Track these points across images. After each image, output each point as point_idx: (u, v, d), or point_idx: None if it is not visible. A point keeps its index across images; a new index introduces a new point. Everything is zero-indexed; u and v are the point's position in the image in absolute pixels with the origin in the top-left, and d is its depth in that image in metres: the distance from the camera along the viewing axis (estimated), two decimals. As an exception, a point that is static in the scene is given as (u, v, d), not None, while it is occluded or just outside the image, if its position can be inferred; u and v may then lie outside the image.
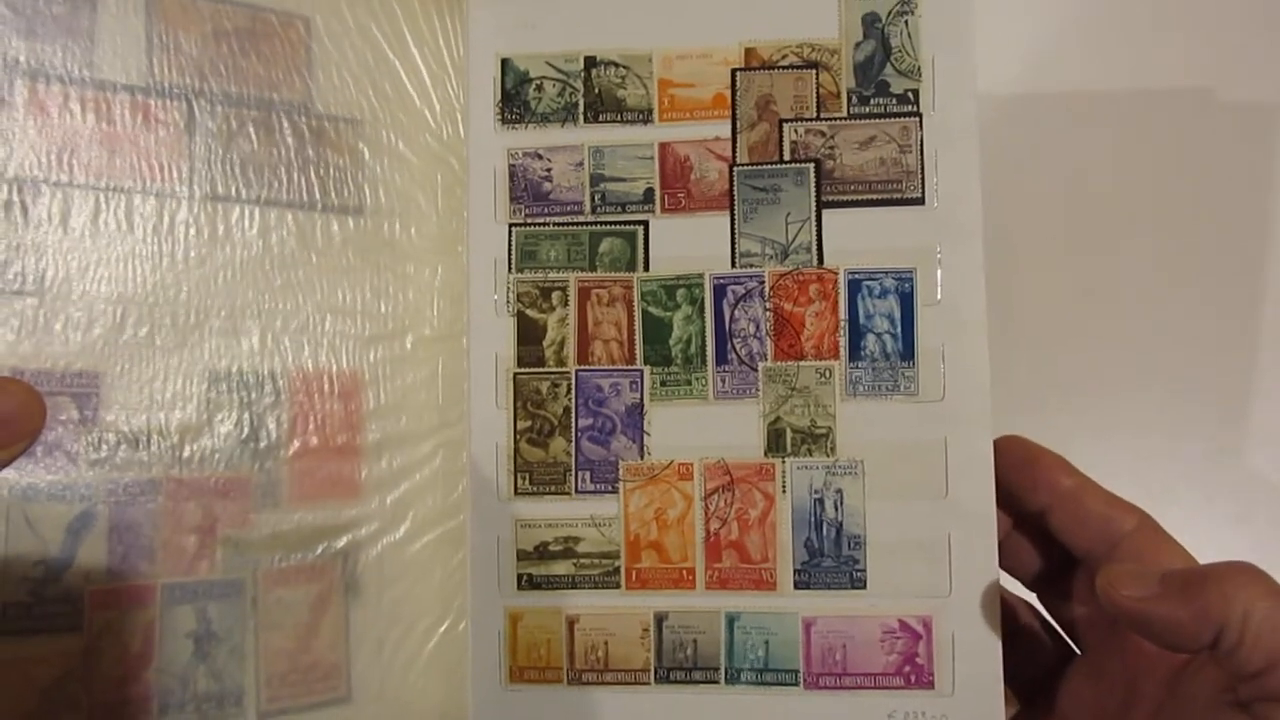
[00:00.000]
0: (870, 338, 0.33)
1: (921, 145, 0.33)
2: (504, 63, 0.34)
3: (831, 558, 0.32)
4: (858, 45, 0.33)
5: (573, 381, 0.34)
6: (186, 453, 0.29)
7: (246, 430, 0.30)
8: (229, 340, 0.30)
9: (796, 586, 0.32)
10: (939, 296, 0.32)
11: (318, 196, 0.32)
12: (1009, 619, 0.32)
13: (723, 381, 0.33)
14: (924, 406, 0.32)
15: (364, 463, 0.32)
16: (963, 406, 0.32)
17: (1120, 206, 0.39)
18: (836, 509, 0.32)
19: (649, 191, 0.34)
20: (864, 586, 0.32)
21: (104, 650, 0.28)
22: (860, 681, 0.32)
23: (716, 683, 0.32)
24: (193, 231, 0.30)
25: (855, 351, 0.33)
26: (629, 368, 0.33)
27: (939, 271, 0.32)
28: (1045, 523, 0.31)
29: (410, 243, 0.33)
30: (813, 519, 0.32)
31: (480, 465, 0.34)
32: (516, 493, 0.33)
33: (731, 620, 0.33)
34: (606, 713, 0.33)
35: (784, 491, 0.33)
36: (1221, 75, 0.40)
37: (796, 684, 0.32)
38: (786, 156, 0.33)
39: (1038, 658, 0.33)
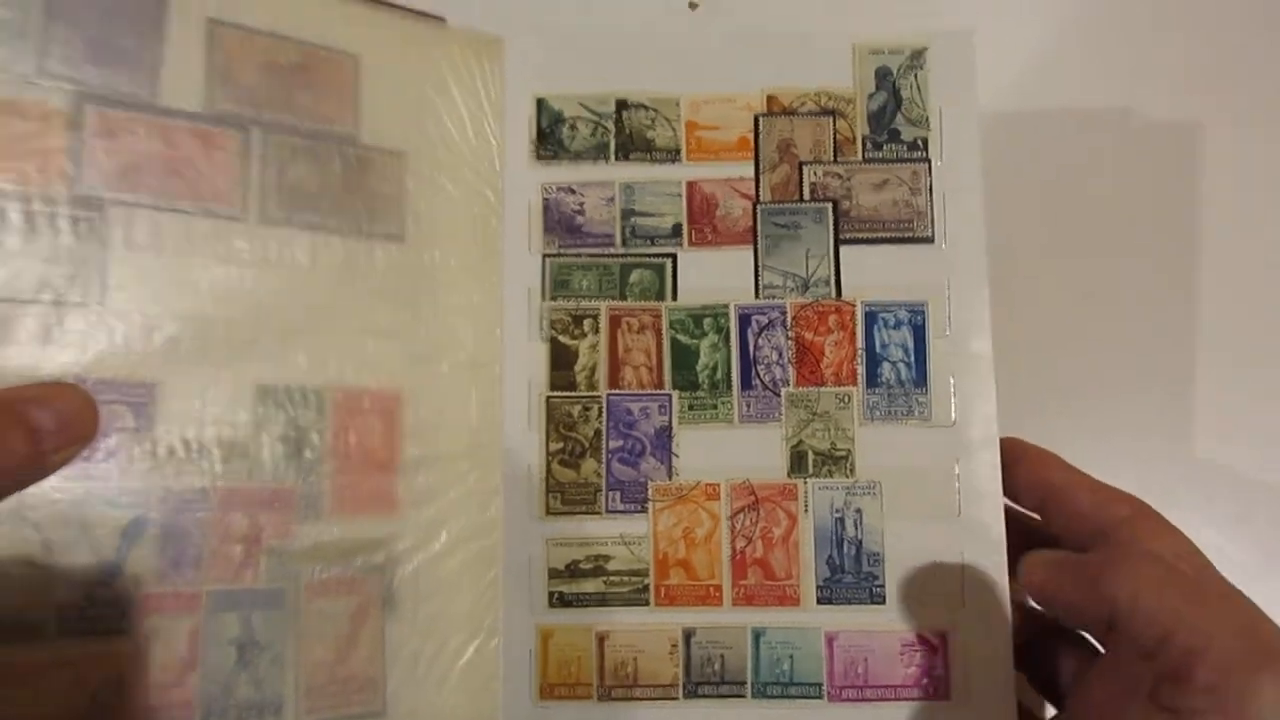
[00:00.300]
0: (886, 366, 0.35)
1: (930, 189, 0.35)
2: (539, 103, 0.36)
3: (852, 574, 0.34)
4: (871, 96, 0.36)
5: (603, 405, 0.35)
6: (234, 464, 0.30)
7: (291, 444, 0.31)
8: (277, 357, 0.31)
9: (819, 602, 0.34)
10: (949, 329, 0.35)
11: (363, 224, 0.33)
12: (1037, 625, 0.33)
13: (747, 406, 0.35)
14: (936, 431, 0.34)
15: (401, 480, 0.33)
16: (972, 431, 0.34)
17: (1119, 209, 0.41)
18: (856, 527, 0.34)
19: (677, 226, 0.36)
20: (883, 602, 0.34)
21: (151, 654, 0.28)
22: (881, 694, 0.33)
23: (743, 696, 0.33)
24: (246, 253, 0.31)
25: (872, 378, 0.35)
26: (658, 392, 0.35)
27: (949, 306, 0.35)
28: (1046, 524, 0.33)
29: (449, 270, 0.35)
30: (834, 537, 0.34)
31: (513, 485, 0.35)
32: (548, 512, 0.35)
33: (758, 635, 0.34)
34: (634, 728, 0.33)
35: (806, 511, 0.34)
36: (1220, 79, 0.42)
37: (821, 696, 0.33)
38: (806, 196, 0.36)
39: (1067, 661, 0.34)
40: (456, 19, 0.36)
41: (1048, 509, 0.33)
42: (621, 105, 0.36)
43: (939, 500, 0.34)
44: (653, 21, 0.38)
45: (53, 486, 0.27)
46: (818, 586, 0.34)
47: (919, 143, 0.36)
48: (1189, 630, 0.26)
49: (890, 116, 0.36)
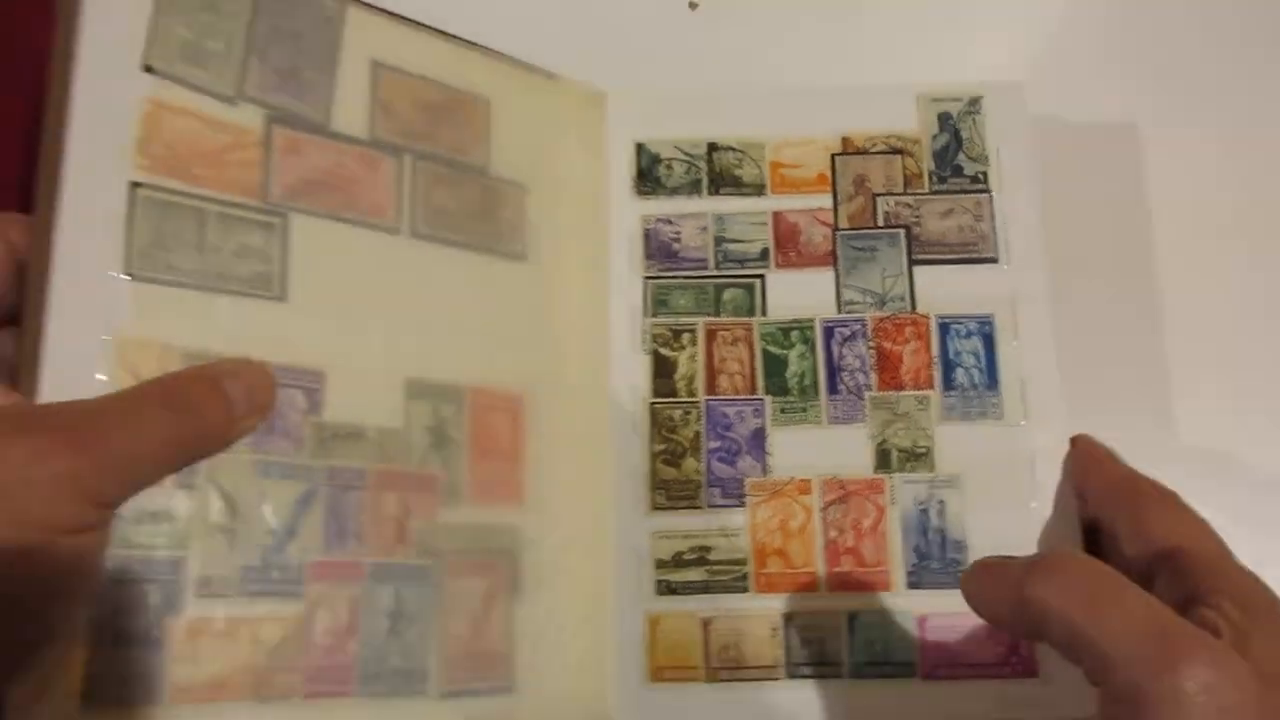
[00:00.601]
0: (960, 371, 0.38)
1: (992, 216, 0.40)
2: (639, 146, 0.41)
3: (939, 560, 0.37)
4: (934, 137, 0.41)
5: (702, 409, 0.38)
6: (388, 449, 0.33)
7: (435, 435, 0.34)
8: (422, 355, 0.35)
9: (909, 586, 0.36)
10: (1016, 338, 0.38)
11: (492, 243, 0.37)
12: None
13: (834, 408, 0.38)
14: (1009, 429, 0.38)
15: (526, 474, 0.36)
16: (1042, 429, 0.37)
17: (1117, 212, 0.45)
18: (940, 517, 0.37)
19: (764, 250, 0.40)
20: (969, 585, 0.36)
21: (318, 618, 0.31)
22: (971, 672, 0.36)
23: (840, 676, 0.36)
24: (399, 262, 0.35)
25: (948, 382, 0.38)
26: (751, 397, 0.38)
27: (1015, 317, 0.38)
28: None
29: (562, 288, 0.39)
30: (919, 526, 0.37)
31: (621, 483, 0.38)
32: (654, 507, 0.38)
33: (852, 618, 0.36)
34: (743, 705, 0.36)
35: (893, 503, 0.37)
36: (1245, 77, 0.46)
37: (914, 675, 0.36)
38: (880, 223, 0.40)
39: None
40: (566, 73, 0.40)
41: (1087, 502, 0.36)
42: (712, 148, 0.41)
43: (1014, 492, 0.37)
44: (736, 75, 0.43)
45: (238, 456, 0.30)
46: (907, 572, 0.37)
47: (980, 176, 0.40)
48: (1099, 637, 0.25)
49: (953, 154, 0.40)
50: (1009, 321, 0.38)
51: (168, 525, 0.29)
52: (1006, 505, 0.37)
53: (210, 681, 0.29)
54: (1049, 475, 0.37)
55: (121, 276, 0.29)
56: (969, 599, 0.30)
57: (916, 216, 0.40)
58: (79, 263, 0.28)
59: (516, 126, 0.39)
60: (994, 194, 0.40)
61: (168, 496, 0.29)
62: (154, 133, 0.30)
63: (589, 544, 0.37)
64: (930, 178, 0.40)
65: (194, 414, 0.28)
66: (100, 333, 0.29)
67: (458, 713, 0.33)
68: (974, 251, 0.39)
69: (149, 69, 0.30)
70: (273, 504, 0.31)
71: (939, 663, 0.36)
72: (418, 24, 0.37)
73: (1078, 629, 0.25)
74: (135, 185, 0.30)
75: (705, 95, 0.42)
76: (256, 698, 0.30)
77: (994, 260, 0.39)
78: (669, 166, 0.41)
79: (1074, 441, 0.37)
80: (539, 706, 0.35)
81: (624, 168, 0.41)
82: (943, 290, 0.39)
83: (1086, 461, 0.37)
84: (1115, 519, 0.34)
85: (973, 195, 0.40)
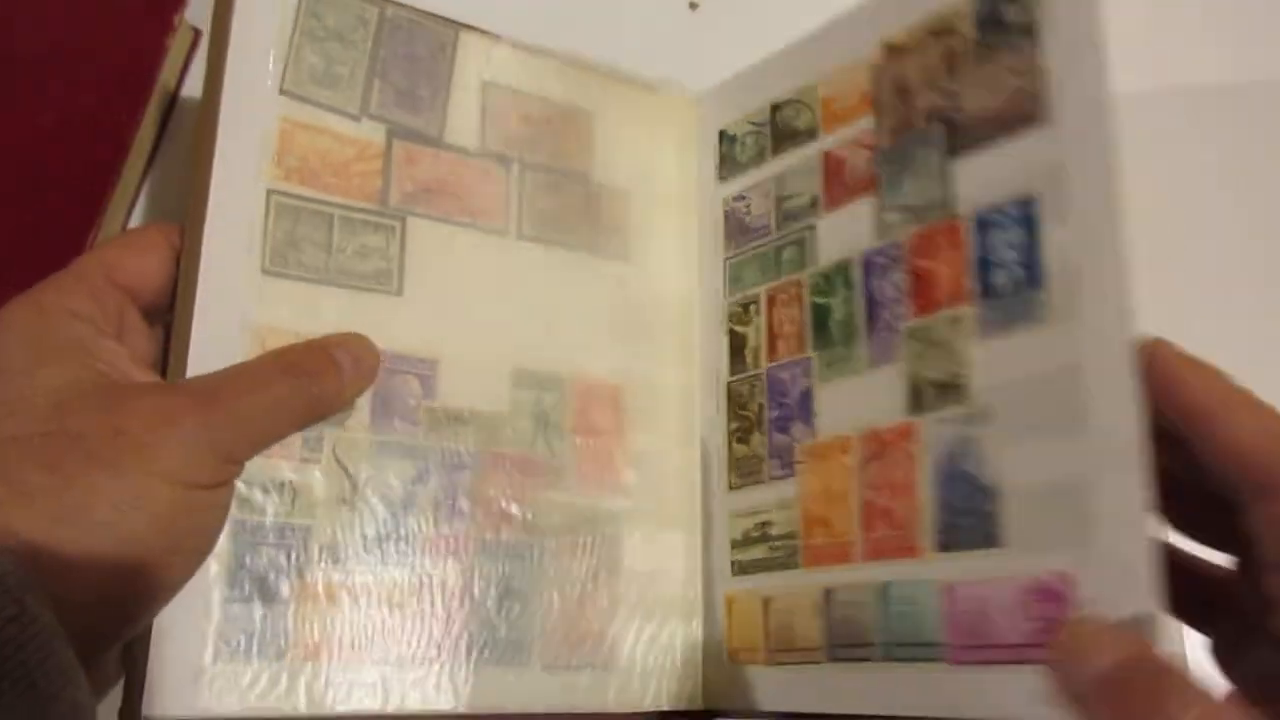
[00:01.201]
0: (999, 272, 0.30)
1: (1042, 71, 0.30)
2: (720, 134, 0.41)
3: (968, 514, 0.29)
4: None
5: (764, 379, 0.37)
6: (495, 433, 0.38)
7: (539, 421, 0.38)
8: (529, 347, 0.39)
9: (939, 549, 0.30)
10: (1069, 217, 0.29)
11: (594, 244, 0.41)
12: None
13: (873, 350, 0.33)
14: (1058, 331, 0.28)
15: (625, 460, 0.39)
16: (1101, 324, 0.27)
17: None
18: (971, 460, 0.29)
19: (814, 199, 0.37)
20: (999, 544, 0.28)
21: (430, 588, 0.38)
22: (1004, 655, 0.27)
23: (873, 659, 0.31)
24: (508, 261, 0.40)
25: (986, 289, 0.30)
26: (801, 357, 0.36)
27: (1067, 190, 0.29)
28: (1194, 457, 0.25)
29: (660, 282, 0.41)
30: (949, 474, 0.30)
31: (706, 465, 0.38)
32: (730, 487, 0.37)
33: (885, 591, 0.31)
34: (789, 691, 0.33)
35: (924, 450, 0.31)
36: None
37: (941, 659, 0.29)
38: (920, 125, 0.34)
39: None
40: (662, 81, 0.43)
41: (1194, 436, 0.25)
42: (775, 109, 0.39)
43: (1062, 410, 0.27)
44: (790, 25, 0.40)
45: (359, 436, 0.36)
46: (937, 532, 0.30)
47: (1026, 26, 0.31)
48: None
49: (999, 10, 0.32)
50: (1055, 199, 0.29)
51: (296, 496, 0.33)
52: (1050, 434, 0.28)
53: (333, 642, 0.34)
54: (1109, 384, 0.27)
55: (259, 273, 0.33)
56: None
57: (955, 103, 0.33)
58: (222, 261, 0.32)
59: (618, 135, 0.42)
60: (1045, 41, 0.31)
61: (296, 470, 0.33)
62: (288, 147, 0.34)
63: (685, 527, 0.38)
64: (974, 50, 0.33)
65: (310, 378, 0.31)
66: (239, 323, 0.32)
67: (557, 685, 0.36)
68: (1019, 117, 0.31)
69: (284, 92, 0.35)
70: (390, 481, 0.37)
71: (970, 643, 0.28)
72: (524, 45, 0.42)
73: None
74: (271, 193, 0.34)
75: (764, 60, 0.40)
76: (375, 660, 0.35)
77: (1042, 122, 0.30)
78: (743, 143, 0.41)
79: (1144, 349, 0.26)
80: (634, 684, 0.36)
81: (710, 158, 0.42)
82: (984, 180, 0.31)
83: (1175, 383, 0.26)
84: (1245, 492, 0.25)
85: (1018, 50, 0.31)
